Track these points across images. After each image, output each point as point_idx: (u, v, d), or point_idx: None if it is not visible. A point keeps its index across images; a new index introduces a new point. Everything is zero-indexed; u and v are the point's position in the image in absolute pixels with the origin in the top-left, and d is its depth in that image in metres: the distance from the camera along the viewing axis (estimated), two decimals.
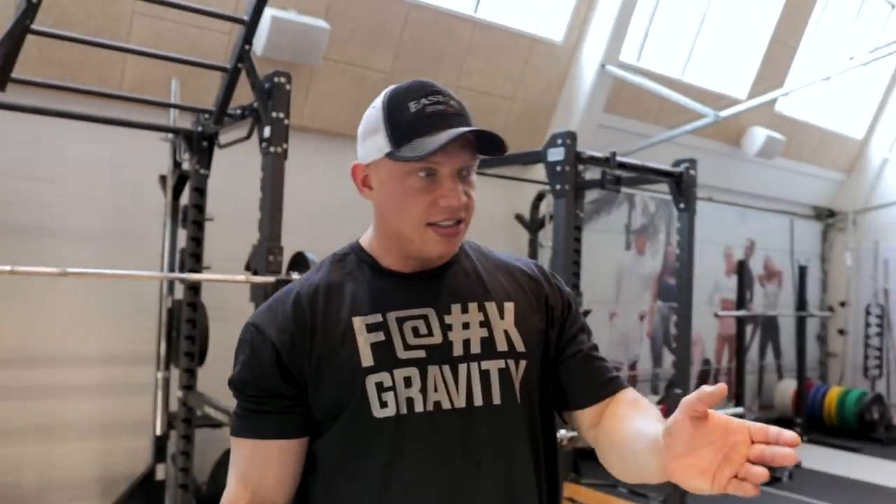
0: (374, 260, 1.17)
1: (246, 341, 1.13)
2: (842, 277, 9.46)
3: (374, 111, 1.11)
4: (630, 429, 1.08)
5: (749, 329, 8.23)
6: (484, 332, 1.14)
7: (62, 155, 4.35)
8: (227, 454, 4.12)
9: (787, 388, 8.37)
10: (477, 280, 1.19)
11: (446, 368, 1.11)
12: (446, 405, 1.10)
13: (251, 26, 3.10)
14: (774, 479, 6.07)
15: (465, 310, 1.15)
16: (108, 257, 4.32)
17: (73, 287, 4.32)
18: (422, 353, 1.10)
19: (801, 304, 7.84)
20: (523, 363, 1.15)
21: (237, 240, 3.68)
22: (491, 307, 1.17)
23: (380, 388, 1.08)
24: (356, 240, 1.22)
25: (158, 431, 4.09)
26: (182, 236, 4.07)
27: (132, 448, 4.45)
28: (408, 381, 1.09)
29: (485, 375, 1.12)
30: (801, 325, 7.87)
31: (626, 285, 7.25)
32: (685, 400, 0.86)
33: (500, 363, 1.13)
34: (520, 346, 1.16)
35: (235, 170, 3.98)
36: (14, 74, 3.52)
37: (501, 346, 1.14)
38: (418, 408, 1.08)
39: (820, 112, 8.52)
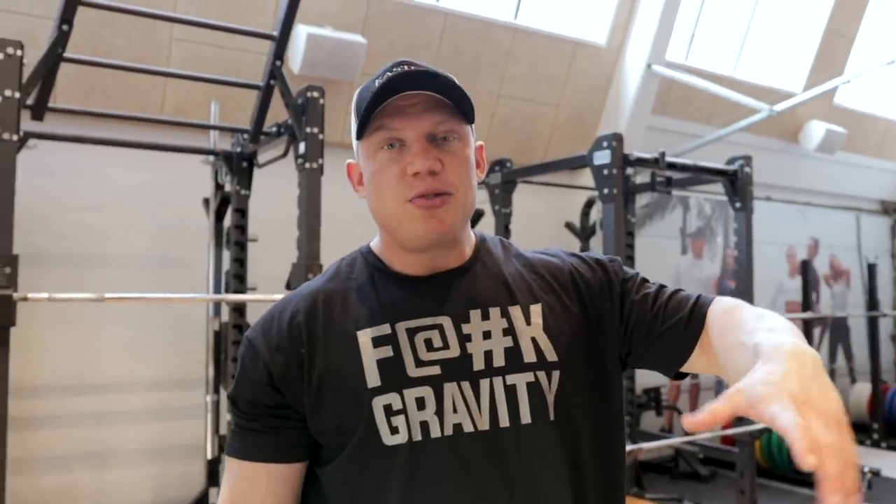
0: (383, 263, 1.06)
1: (240, 357, 1.04)
2: None
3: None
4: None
5: (817, 332, 7.89)
6: (508, 342, 1.00)
7: (107, 183, 4.39)
8: None
9: (861, 392, 7.99)
10: (500, 281, 1.05)
11: (466, 385, 0.97)
12: (468, 428, 0.96)
13: (281, 42, 3.07)
14: None
15: (485, 316, 1.01)
16: (157, 282, 4.35)
17: (123, 314, 4.34)
18: (436, 370, 0.97)
19: (873, 303, 7.48)
20: (556, 374, 1.00)
21: (285, 260, 3.65)
22: (516, 312, 1.02)
23: (388, 411, 0.95)
24: (367, 243, 1.11)
25: (209, 455, 4.06)
26: (227, 258, 4.06)
27: (186, 472, 4.44)
28: (420, 403, 0.96)
29: (510, 391, 0.98)
30: (873, 325, 7.49)
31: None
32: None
33: (529, 376, 0.99)
34: (551, 356, 1.01)
35: (282, 189, 3.96)
36: (57, 105, 3.58)
37: (529, 356, 1.00)
38: (435, 433, 0.95)
39: (883, 102, 8.16)
